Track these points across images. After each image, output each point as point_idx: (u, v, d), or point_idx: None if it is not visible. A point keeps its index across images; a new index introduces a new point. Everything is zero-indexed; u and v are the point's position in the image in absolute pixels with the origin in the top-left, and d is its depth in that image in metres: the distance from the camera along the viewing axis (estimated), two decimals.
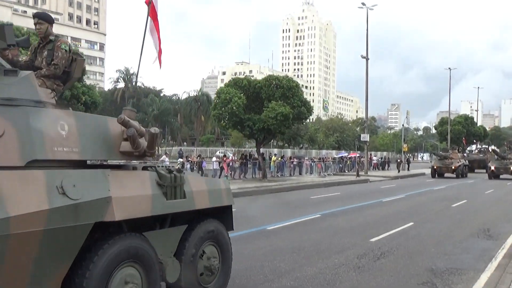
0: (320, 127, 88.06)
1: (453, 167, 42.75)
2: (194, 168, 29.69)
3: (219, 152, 57.37)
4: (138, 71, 8.53)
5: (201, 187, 6.03)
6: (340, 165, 48.92)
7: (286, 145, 74.73)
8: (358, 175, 41.80)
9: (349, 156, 55.70)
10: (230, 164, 33.35)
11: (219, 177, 31.94)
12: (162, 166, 5.85)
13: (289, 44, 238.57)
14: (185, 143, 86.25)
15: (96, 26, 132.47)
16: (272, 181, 31.76)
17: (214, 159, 32.22)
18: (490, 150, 52.74)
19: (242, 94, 30.69)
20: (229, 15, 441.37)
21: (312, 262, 9.03)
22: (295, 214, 15.69)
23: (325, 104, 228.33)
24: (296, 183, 30.96)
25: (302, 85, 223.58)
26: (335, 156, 56.98)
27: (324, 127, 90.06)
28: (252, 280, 7.73)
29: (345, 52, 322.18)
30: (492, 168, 42.14)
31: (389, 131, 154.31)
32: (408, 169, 56.39)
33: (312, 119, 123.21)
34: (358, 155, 51.52)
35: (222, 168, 32.64)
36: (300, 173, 41.93)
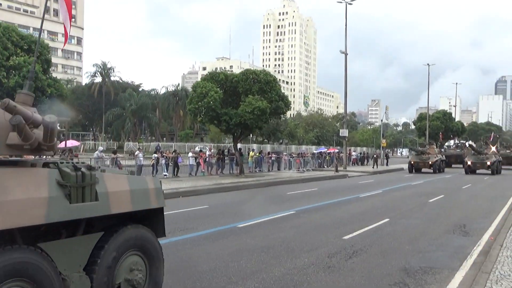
0: (300, 122, 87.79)
1: (430, 162, 42.46)
2: (170, 163, 29.00)
3: (198, 148, 56.72)
4: (37, 40, 7.89)
5: (121, 187, 5.11)
6: (319, 161, 48.66)
7: (265, 140, 74.37)
8: (337, 170, 41.59)
9: (328, 151, 55.47)
10: (207, 159, 32.75)
11: (196, 173, 31.40)
12: (82, 163, 5.05)
13: (269, 39, 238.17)
14: (164, 139, 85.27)
15: (73, 20, 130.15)
16: (249, 176, 31.30)
17: (190, 154, 31.56)
18: (467, 145, 52.69)
19: (218, 88, 30.13)
20: (211, 10, 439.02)
21: (281, 262, 8.59)
22: (270, 211, 15.25)
23: (306, 99, 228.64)
24: (274, 178, 30.55)
25: (283, 80, 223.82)
26: (314, 151, 56.60)
27: (304, 122, 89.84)
28: (215, 282, 7.26)
29: (326, 48, 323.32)
30: (469, 163, 42.18)
31: (369, 127, 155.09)
32: (387, 164, 56.43)
33: (292, 114, 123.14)
34: (337, 150, 51.38)
35: (198, 164, 32.05)
36: (278, 169, 41.54)
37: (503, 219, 14.27)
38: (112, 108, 76.11)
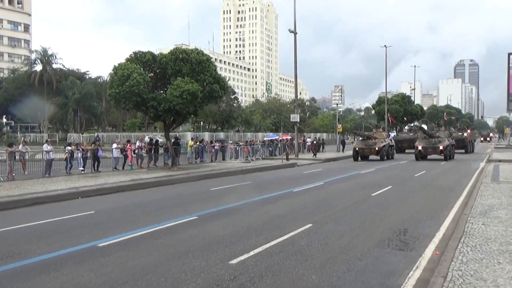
0: (256, 109, 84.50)
1: (376, 148, 37.33)
2: (88, 157, 25.26)
3: (147, 138, 52.83)
4: None
5: None
6: (270, 149, 45.56)
7: (219, 128, 70.77)
8: (287, 158, 38.64)
9: (280, 138, 52.39)
10: (136, 151, 29.10)
11: (123, 167, 27.77)
12: None
13: (230, 26, 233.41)
14: (113, 129, 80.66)
15: (20, 5, 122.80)
16: (183, 169, 27.86)
17: (114, 146, 27.81)
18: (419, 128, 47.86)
19: (143, 70, 26.47)
20: None
21: None
22: (164, 217, 11.94)
23: (268, 86, 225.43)
24: (210, 170, 27.21)
25: (244, 67, 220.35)
26: (264, 139, 53.44)
27: (261, 108, 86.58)
28: None
29: (287, 34, 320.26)
30: (419, 148, 37.44)
31: (331, 112, 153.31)
32: (343, 151, 53.86)
33: (251, 101, 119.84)
34: (289, 137, 48.36)
35: (126, 156, 28.40)
36: (223, 159, 38.26)
37: (455, 220, 11.35)
38: (54, 97, 70.99)
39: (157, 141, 31.98)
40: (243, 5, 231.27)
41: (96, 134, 56.39)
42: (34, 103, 74.56)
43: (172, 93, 25.58)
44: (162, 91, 28.50)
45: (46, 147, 23.38)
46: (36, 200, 15.27)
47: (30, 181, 20.31)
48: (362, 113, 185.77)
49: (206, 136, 63.20)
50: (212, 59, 28.88)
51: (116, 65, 26.76)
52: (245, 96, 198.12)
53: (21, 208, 14.21)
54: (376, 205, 13.97)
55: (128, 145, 28.71)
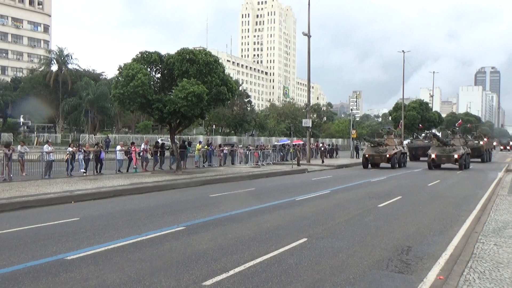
0: (271, 112, 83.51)
1: (387, 156, 35.30)
2: (90, 159, 24.62)
3: (160, 140, 52.36)
4: None
5: None
6: (282, 154, 44.62)
7: (232, 132, 69.95)
8: (298, 164, 37.73)
9: (293, 143, 51.42)
10: (141, 154, 28.45)
11: (127, 170, 27.14)
12: None
13: (248, 29, 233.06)
14: (128, 130, 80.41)
15: (40, 6, 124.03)
16: (188, 173, 27.11)
17: (118, 148, 27.16)
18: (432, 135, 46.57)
19: (148, 70, 25.84)
20: (189, 0, 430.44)
21: None
22: (150, 227, 11.15)
23: (285, 90, 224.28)
24: (215, 175, 26.41)
25: (262, 71, 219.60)
26: (276, 143, 52.49)
27: (275, 113, 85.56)
28: None
29: (305, 38, 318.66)
30: (433, 156, 35.19)
31: (348, 118, 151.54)
32: (357, 157, 52.73)
33: (266, 105, 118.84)
34: (302, 142, 47.37)
35: (131, 159, 27.76)
36: (232, 163, 37.44)
37: (465, 237, 10.34)
38: (69, 98, 70.96)
39: (163, 143, 31.28)
40: (262, 9, 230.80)
41: (107, 136, 55.95)
42: (49, 103, 74.74)
43: (177, 95, 24.87)
44: (169, 93, 27.83)
45: (46, 147, 22.80)
46: (25, 204, 14.60)
47: (27, 183, 19.72)
48: (380, 119, 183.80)
49: (219, 139, 62.54)
50: (220, 60, 28.03)
51: (122, 65, 26.18)
52: (262, 100, 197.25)
53: (7, 213, 13.53)
54: (382, 218, 12.99)
55: (133, 147, 28.05)
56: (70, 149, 23.92)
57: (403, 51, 72.77)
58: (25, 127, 79.95)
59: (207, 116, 43.44)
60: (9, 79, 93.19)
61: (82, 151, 24.44)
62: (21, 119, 77.45)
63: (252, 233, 10.57)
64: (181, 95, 24.62)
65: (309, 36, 41.54)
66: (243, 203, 15.36)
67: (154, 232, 10.53)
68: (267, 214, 13.37)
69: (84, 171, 24.29)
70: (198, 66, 26.24)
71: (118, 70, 26.02)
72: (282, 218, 12.73)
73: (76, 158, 24.18)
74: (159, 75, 28.26)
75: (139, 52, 27.19)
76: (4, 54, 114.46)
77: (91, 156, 24.96)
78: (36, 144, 59.76)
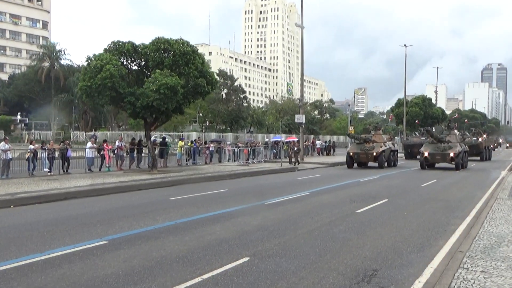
0: (269, 109, 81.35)
1: (374, 154, 31.49)
2: (55, 157, 22.69)
3: (153, 137, 50.39)
4: None
5: None
6: (274, 151, 42.54)
7: (228, 128, 67.88)
8: (290, 162, 35.74)
9: (286, 140, 49.34)
10: (115, 151, 26.49)
11: (100, 169, 25.22)
12: None
13: (251, 26, 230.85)
14: (119, 127, 78.56)
15: (39, 3, 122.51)
16: (163, 172, 25.16)
17: (88, 145, 25.22)
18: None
19: (119, 61, 23.81)
20: None
21: None
22: (67, 240, 9.17)
23: (289, 87, 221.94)
24: (192, 174, 24.45)
25: (265, 67, 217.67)
26: (267, 140, 50.43)
27: (274, 109, 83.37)
28: None
29: (309, 34, 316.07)
30: (426, 154, 31.50)
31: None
32: None
33: (266, 101, 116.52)
34: (296, 139, 45.31)
35: (103, 157, 25.81)
36: (220, 161, 35.42)
37: (450, 254, 8.27)
38: (61, 94, 69.09)
39: (140, 140, 29.27)
40: (265, 5, 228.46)
41: (93, 133, 54.05)
42: (42, 100, 72.97)
43: (148, 87, 22.86)
44: (143, 86, 25.84)
45: (3, 145, 20.81)
46: None
47: None
48: (385, 116, 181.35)
49: (213, 136, 60.48)
50: (198, 50, 25.98)
51: (91, 55, 24.20)
52: (266, 97, 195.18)
53: None
54: (355, 227, 10.91)
55: (105, 144, 26.08)
56: (32, 146, 21.97)
57: (405, 45, 70.61)
58: (22, 124, 78.31)
59: (187, 111, 41.14)
60: (7, 76, 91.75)
61: (46, 148, 22.47)
62: (18, 117, 75.83)
63: (184, 250, 8.53)
64: (153, 88, 22.61)
65: (302, 28, 39.44)
66: (198, 209, 13.32)
67: (67, 247, 8.54)
68: (219, 223, 11.32)
69: (49, 170, 22.36)
70: (174, 56, 24.24)
71: (87, 60, 24.03)
72: (234, 228, 10.68)
73: (38, 156, 22.23)
74: (135, 67, 26.33)
75: (111, 42, 25.16)
76: (2, 51, 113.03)
77: (56, 154, 23.01)
78: (26, 142, 58.06)
